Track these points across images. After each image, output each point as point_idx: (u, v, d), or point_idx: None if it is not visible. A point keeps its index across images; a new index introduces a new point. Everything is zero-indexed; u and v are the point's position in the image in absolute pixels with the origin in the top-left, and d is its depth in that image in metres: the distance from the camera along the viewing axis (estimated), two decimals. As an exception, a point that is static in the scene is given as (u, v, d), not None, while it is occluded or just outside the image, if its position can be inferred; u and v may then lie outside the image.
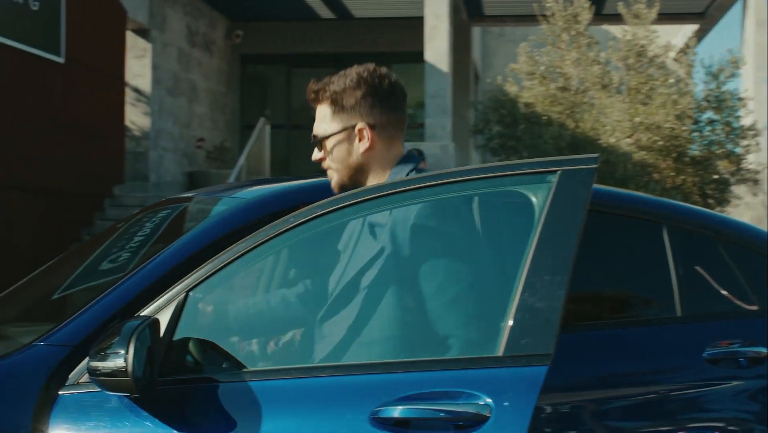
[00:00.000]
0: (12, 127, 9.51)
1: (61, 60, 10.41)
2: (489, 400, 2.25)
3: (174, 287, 2.40)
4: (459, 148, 15.65)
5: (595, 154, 2.52)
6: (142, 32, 13.60)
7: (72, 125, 10.67)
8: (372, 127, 2.66)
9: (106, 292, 2.51)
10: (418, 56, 14.47)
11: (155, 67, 13.80)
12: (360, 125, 2.66)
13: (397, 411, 2.27)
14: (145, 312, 2.39)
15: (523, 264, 2.35)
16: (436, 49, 13.57)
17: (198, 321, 2.52)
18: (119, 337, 2.22)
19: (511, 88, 11.56)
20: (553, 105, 11.25)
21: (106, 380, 2.22)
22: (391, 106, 2.71)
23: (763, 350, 2.82)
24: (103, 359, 2.21)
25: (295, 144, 18.63)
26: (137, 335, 2.22)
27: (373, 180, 2.68)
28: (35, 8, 9.86)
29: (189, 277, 2.41)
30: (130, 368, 2.19)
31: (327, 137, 2.70)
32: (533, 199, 2.44)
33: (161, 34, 14.04)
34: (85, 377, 2.34)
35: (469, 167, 2.55)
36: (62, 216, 10.35)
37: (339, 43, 17.78)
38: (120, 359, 2.19)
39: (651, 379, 2.72)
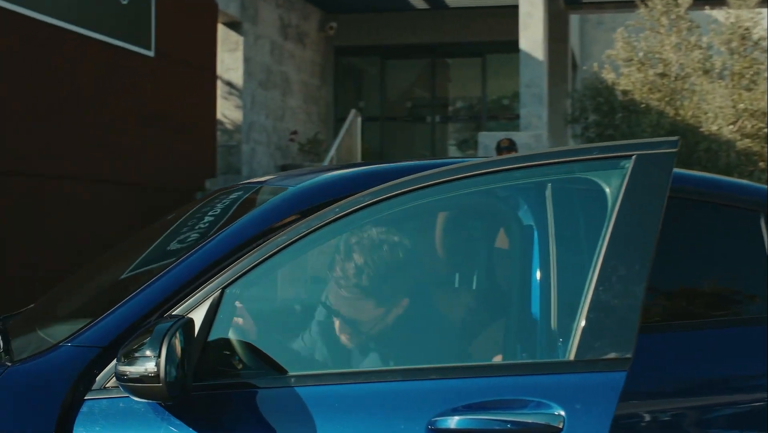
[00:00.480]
0: (102, 121, 9.53)
1: (151, 54, 10.41)
2: (561, 411, 2.07)
3: (209, 283, 2.23)
4: (555, 139, 15.30)
5: (675, 137, 2.26)
6: (233, 25, 13.58)
7: (163, 119, 10.68)
8: None
9: (139, 289, 2.33)
10: (513, 45, 14.17)
11: (247, 60, 13.77)
12: None
13: (456, 421, 2.08)
14: (178, 311, 2.21)
15: (597, 258, 2.15)
16: (531, 37, 13.26)
17: (236, 321, 2.34)
18: (150, 339, 2.06)
19: (608, 76, 11.20)
20: (652, 92, 10.86)
21: (135, 386, 2.06)
22: None
23: None
24: (132, 362, 2.05)
25: (389, 136, 18.48)
26: (170, 337, 2.05)
27: None
28: (125, 2, 9.87)
29: (225, 272, 2.23)
30: (162, 373, 2.03)
31: None
32: (606, 187, 2.22)
33: (253, 27, 14.01)
34: (113, 381, 2.18)
35: (535, 152, 2.31)
36: (153, 210, 10.37)
37: (433, 33, 17.55)
38: (151, 363, 2.03)
39: (746, 385, 2.40)
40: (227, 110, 13.53)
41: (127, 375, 2.06)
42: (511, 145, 9.57)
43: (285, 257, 2.29)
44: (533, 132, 12.21)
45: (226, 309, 2.24)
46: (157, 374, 2.02)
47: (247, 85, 13.79)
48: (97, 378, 2.20)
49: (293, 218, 2.43)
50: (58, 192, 8.66)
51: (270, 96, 14.65)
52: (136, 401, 2.12)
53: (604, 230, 2.18)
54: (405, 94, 19.52)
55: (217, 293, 2.22)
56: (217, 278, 2.25)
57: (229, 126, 13.55)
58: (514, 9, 14.10)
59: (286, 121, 15.35)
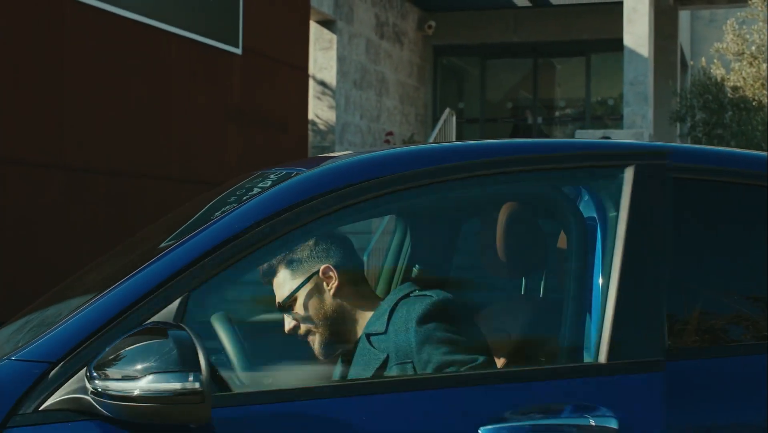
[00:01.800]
0: (189, 120, 9.38)
1: (238, 52, 10.23)
2: (609, 413, 2.01)
3: (176, 287, 1.89)
4: (662, 138, 14.68)
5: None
6: (327, 23, 13.35)
7: (252, 118, 10.49)
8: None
9: (100, 294, 1.97)
10: (617, 44, 13.65)
11: (341, 60, 13.53)
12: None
13: (506, 429, 1.98)
14: (157, 318, 1.89)
15: (615, 263, 2.15)
16: (636, 32, 12.71)
17: (237, 328, 2.13)
18: (179, 349, 1.75)
19: (717, 71, 10.61)
20: (765, 88, 10.23)
21: (157, 408, 1.74)
22: None
23: None
24: (143, 379, 1.75)
25: (490, 138, 18.07)
26: (202, 348, 1.77)
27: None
28: (211, -2, 9.71)
29: (192, 274, 1.93)
30: (206, 390, 1.75)
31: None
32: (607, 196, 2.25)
33: (348, 26, 13.75)
34: (71, 404, 1.83)
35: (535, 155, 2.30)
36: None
37: (535, 32, 17.09)
38: (181, 381, 1.74)
39: None
40: (320, 111, 13.30)
41: (138, 396, 1.75)
42: (610, 144, 9.09)
43: (270, 251, 2.05)
44: (634, 131, 11.67)
45: (194, 315, 1.95)
46: (199, 392, 1.74)
47: (341, 84, 13.54)
48: (47, 402, 1.85)
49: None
50: (140, 191, 8.52)
51: (365, 96, 14.39)
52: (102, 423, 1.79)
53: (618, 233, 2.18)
54: (506, 94, 19.08)
55: (183, 297, 1.92)
56: (184, 280, 1.93)
57: (322, 127, 13.32)
58: (619, 5, 13.60)
59: (382, 122, 15.07)
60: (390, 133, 14.93)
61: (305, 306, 2.32)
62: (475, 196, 2.44)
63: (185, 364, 1.75)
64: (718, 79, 10.59)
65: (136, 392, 1.75)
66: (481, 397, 2.03)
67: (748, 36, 10.54)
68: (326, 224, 2.15)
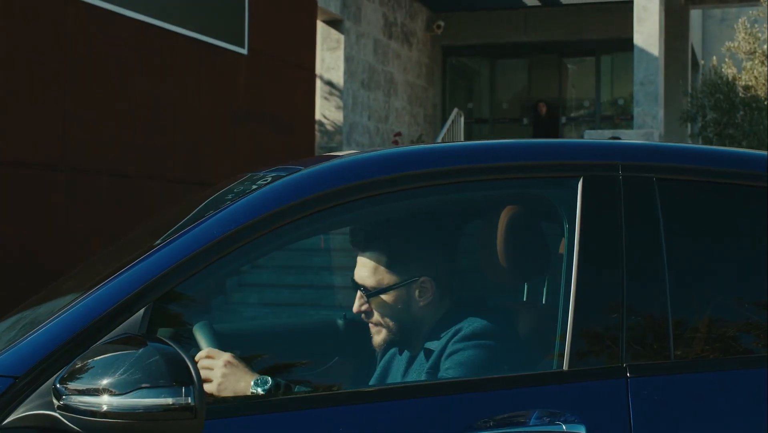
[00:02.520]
0: (195, 121, 9.30)
1: (243, 51, 10.15)
2: (575, 418, 2.01)
3: (145, 296, 1.85)
4: (673, 138, 14.56)
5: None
6: (334, 23, 13.26)
7: (258, 119, 10.41)
8: None
9: (69, 305, 1.89)
10: (627, 44, 13.54)
11: (348, 60, 13.44)
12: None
13: None
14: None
15: (575, 271, 2.14)
16: (646, 32, 12.59)
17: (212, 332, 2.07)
18: (167, 364, 1.68)
19: (729, 70, 10.48)
20: (777, 87, 10.12)
21: (142, 425, 1.67)
22: None
23: None
24: (126, 394, 1.67)
25: (500, 138, 17.96)
26: (191, 361, 1.70)
27: None
28: (216, -2, 9.63)
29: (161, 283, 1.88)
30: (199, 405, 1.67)
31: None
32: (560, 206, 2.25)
33: (355, 25, 13.66)
34: (36, 420, 1.74)
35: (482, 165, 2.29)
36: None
37: (545, 31, 16.99)
38: (173, 396, 1.67)
39: None
40: (327, 111, 13.22)
41: (110, 411, 1.66)
42: (620, 144, 8.98)
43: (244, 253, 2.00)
44: (644, 131, 11.54)
45: (164, 325, 1.91)
46: (192, 407, 1.66)
47: (348, 85, 13.45)
48: (7, 414, 1.76)
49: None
50: (145, 193, 8.45)
51: (373, 97, 14.29)
52: None
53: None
54: (515, 95, 18.98)
55: (150, 307, 1.85)
56: (152, 290, 1.87)
57: (329, 127, 13.23)
58: (630, 4, 13.48)
59: (390, 123, 14.98)
60: (398, 134, 14.83)
61: (391, 302, 2.33)
62: (439, 204, 2.44)
63: (176, 378, 1.67)
64: (730, 78, 10.46)
65: (114, 408, 1.67)
66: (454, 405, 2.02)
67: (760, 35, 10.41)
68: (299, 228, 2.11)
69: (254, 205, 2.07)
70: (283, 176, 2.20)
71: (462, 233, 2.51)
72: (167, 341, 1.74)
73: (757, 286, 2.28)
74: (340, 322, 2.65)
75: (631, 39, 13.12)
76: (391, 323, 2.33)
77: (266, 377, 2.04)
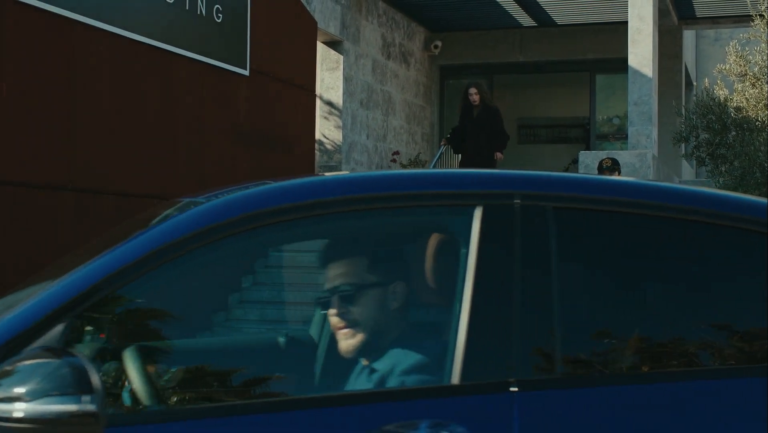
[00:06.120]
0: (198, 141, 9.45)
1: (245, 73, 10.31)
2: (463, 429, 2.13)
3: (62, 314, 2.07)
4: (668, 158, 14.73)
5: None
6: (334, 44, 13.44)
7: (259, 139, 10.56)
8: None
9: None
10: (622, 63, 13.71)
11: (348, 80, 13.62)
12: None
13: None
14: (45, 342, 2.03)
15: (470, 293, 2.28)
16: (640, 53, 12.77)
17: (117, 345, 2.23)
18: (74, 374, 1.85)
19: (720, 92, 10.66)
20: (767, 109, 10.29)
21: (49, 429, 1.83)
22: None
23: None
24: (37, 401, 1.84)
25: (496, 157, 18.10)
26: (95, 369, 1.88)
27: None
28: (219, 20, 9.79)
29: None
30: (101, 412, 1.85)
31: None
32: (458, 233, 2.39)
33: (354, 46, 13.85)
34: None
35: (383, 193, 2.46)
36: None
37: (541, 51, 17.18)
38: (77, 403, 1.84)
39: None
40: (327, 130, 13.39)
41: (16, 417, 1.83)
42: (614, 165, 9.14)
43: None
44: (638, 151, 11.72)
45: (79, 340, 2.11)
46: (94, 414, 1.84)
47: (348, 104, 13.63)
48: None
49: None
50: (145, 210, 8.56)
51: (372, 116, 14.47)
52: None
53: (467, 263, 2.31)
54: (512, 113, 19.15)
55: (68, 323, 2.07)
56: (68, 308, 2.08)
57: (329, 146, 13.40)
58: (624, 25, 13.65)
59: (389, 142, 15.15)
60: (396, 153, 15.00)
61: (364, 309, 2.48)
62: (344, 231, 2.59)
63: (81, 387, 1.84)
64: (722, 99, 10.63)
65: (20, 414, 1.84)
66: (345, 417, 2.14)
67: (750, 57, 10.59)
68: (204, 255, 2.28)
69: (153, 237, 2.26)
70: (193, 207, 2.41)
71: (369, 258, 2.60)
72: (77, 353, 1.92)
73: (643, 308, 2.44)
74: (281, 339, 2.79)
75: (626, 59, 13.30)
76: (365, 331, 2.47)
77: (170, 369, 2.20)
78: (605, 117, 18.18)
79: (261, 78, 10.61)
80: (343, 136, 13.47)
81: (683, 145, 11.49)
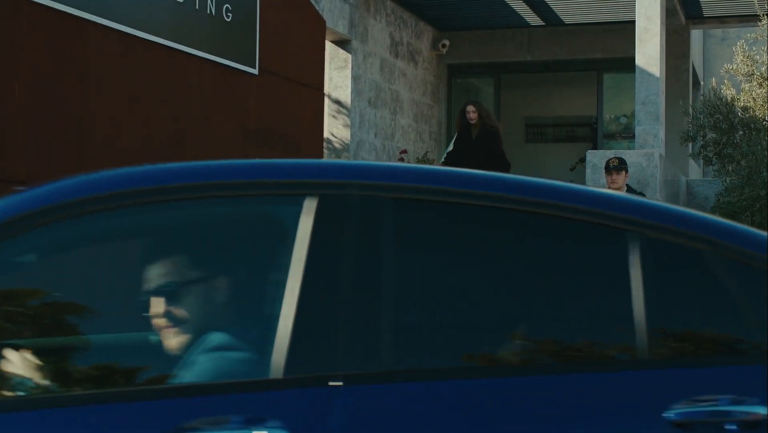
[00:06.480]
0: (208, 140, 9.50)
1: (254, 72, 10.37)
2: (279, 425, 2.11)
3: None
4: (675, 157, 14.75)
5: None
6: (342, 43, 13.49)
7: (268, 137, 10.61)
8: None
9: None
10: (629, 62, 13.73)
11: (356, 78, 13.67)
12: None
13: None
14: None
15: (299, 285, 2.25)
16: (648, 53, 12.79)
17: None
18: None
19: (728, 92, 10.70)
20: (774, 108, 10.34)
21: None
22: None
23: (762, 410, 2.14)
24: None
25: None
26: None
27: None
28: (228, 19, 9.85)
29: None
30: None
31: None
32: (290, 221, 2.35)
33: (362, 45, 13.90)
34: None
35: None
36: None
37: (548, 50, 17.21)
38: None
39: None
40: (335, 129, 13.44)
41: None
42: (621, 165, 9.16)
43: None
44: (645, 151, 11.75)
45: None
46: None
47: (356, 103, 13.68)
48: None
49: None
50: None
51: (380, 114, 14.52)
52: None
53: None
54: (519, 112, 19.19)
55: None
56: None
57: (337, 145, 13.46)
58: (632, 24, 13.68)
59: (397, 141, 15.20)
60: (404, 152, 15.04)
61: (188, 305, 2.42)
62: (163, 221, 2.52)
63: None
64: (729, 99, 10.67)
65: None
66: (157, 410, 2.12)
67: (757, 57, 10.63)
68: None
69: None
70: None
71: (201, 248, 2.53)
72: None
73: (477, 302, 2.38)
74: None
75: (633, 58, 13.32)
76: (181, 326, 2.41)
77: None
78: (612, 116, 18.21)
79: (270, 77, 10.66)
80: (351, 135, 13.53)
81: (690, 144, 11.52)
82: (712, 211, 11.58)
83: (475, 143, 11.48)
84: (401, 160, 14.95)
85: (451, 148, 12.26)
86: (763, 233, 2.48)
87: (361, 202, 2.32)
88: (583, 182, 13.11)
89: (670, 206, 2.52)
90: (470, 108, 11.57)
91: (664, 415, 2.14)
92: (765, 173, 9.82)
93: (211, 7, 9.66)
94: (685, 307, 2.36)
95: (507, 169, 11.52)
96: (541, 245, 2.45)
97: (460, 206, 2.38)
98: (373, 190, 2.35)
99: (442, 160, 13.02)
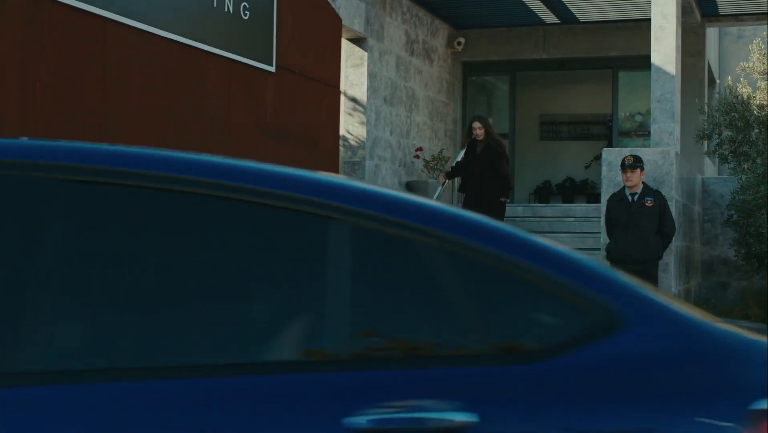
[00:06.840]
0: (226, 138, 9.57)
1: (272, 69, 10.43)
2: None
3: None
4: (690, 155, 14.75)
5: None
6: (358, 41, 13.54)
7: (285, 135, 10.67)
8: None
9: None
10: (645, 61, 13.74)
11: (372, 76, 13.72)
12: None
13: None
14: None
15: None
16: (663, 50, 12.80)
17: None
18: None
19: (743, 90, 10.70)
20: (791, 106, 10.34)
21: None
22: None
23: (459, 416, 1.93)
24: None
25: (520, 153, 18.17)
26: None
27: None
28: (246, 17, 9.91)
29: None
30: None
31: None
32: None
33: (378, 43, 13.95)
34: None
35: None
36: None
37: (564, 48, 17.21)
38: None
39: None
40: (351, 126, 13.49)
41: None
42: (636, 162, 9.18)
43: None
44: (661, 149, 11.76)
45: None
46: None
47: (372, 101, 13.73)
48: None
49: None
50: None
51: (395, 112, 14.57)
52: None
53: None
54: (535, 110, 19.21)
55: None
56: None
57: (353, 142, 13.51)
58: (647, 22, 13.68)
59: (412, 138, 15.24)
60: (420, 149, 15.09)
61: None
62: None
63: None
64: (744, 97, 10.66)
65: None
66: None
67: (773, 55, 10.65)
68: None
69: None
70: None
71: None
72: None
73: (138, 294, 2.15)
74: None
75: (649, 56, 13.32)
76: None
77: None
78: (628, 114, 18.21)
79: (287, 75, 10.72)
80: (367, 133, 13.58)
81: (706, 142, 11.52)
82: (728, 209, 11.58)
83: (479, 158, 11.71)
84: (417, 157, 15.01)
85: (460, 158, 12.50)
86: (488, 220, 2.25)
87: (22, 182, 2.09)
88: (599, 180, 13.15)
89: (377, 190, 2.28)
90: (476, 124, 11.81)
91: (345, 421, 1.92)
92: (781, 171, 9.85)
93: (228, 6, 9.72)
94: (388, 302, 2.14)
95: (507, 185, 11.72)
96: (226, 230, 2.21)
97: (140, 189, 2.15)
98: (39, 171, 2.11)
99: (448, 170, 13.20)
